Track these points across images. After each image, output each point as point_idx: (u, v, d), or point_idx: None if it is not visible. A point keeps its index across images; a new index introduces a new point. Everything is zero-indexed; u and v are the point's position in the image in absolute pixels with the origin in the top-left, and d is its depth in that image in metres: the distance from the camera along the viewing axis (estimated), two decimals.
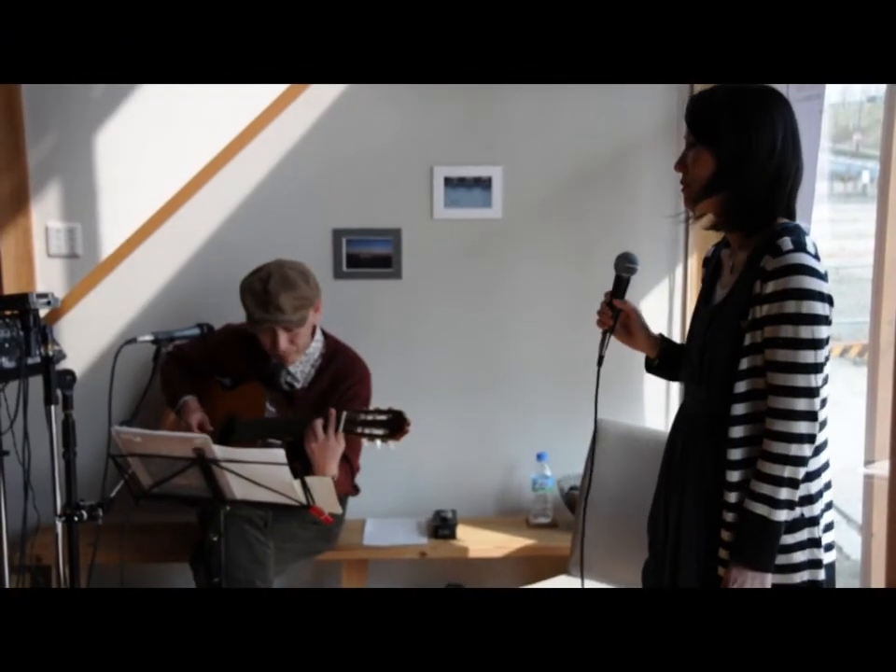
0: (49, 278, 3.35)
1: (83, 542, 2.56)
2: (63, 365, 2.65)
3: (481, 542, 3.19)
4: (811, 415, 1.76)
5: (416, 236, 3.32)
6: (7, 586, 2.83)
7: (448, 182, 3.28)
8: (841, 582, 1.96)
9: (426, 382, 3.36)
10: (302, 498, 2.38)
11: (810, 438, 1.77)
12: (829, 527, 1.88)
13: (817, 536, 1.84)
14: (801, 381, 1.75)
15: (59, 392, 2.53)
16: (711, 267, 2.02)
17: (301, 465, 2.65)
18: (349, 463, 2.94)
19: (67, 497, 2.48)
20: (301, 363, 2.97)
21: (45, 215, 3.34)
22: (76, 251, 3.36)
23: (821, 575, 1.85)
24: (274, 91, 3.23)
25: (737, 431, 1.81)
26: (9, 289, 3.32)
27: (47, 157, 3.32)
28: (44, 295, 2.61)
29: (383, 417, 2.58)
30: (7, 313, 2.67)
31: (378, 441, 2.59)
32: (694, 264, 3.25)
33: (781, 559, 1.82)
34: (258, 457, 2.35)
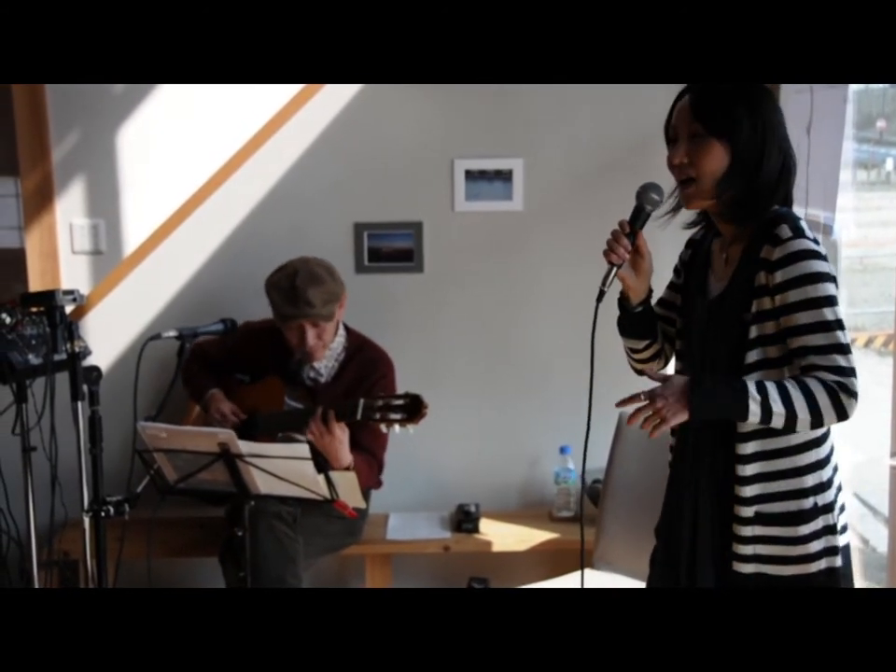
0: (73, 275, 3.38)
1: (110, 537, 2.58)
2: (89, 361, 2.67)
3: (504, 536, 3.19)
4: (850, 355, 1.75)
5: (437, 230, 3.32)
6: (36, 581, 2.87)
7: (469, 175, 3.28)
8: (868, 575, 1.95)
9: (448, 375, 3.36)
10: (327, 493, 2.39)
11: (853, 371, 1.73)
12: (842, 509, 1.87)
13: (832, 523, 1.83)
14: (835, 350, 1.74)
15: (85, 388, 2.55)
16: (702, 256, 1.97)
17: (324, 460, 2.66)
18: (374, 456, 2.96)
19: (94, 492, 2.50)
20: (325, 358, 2.99)
21: (69, 212, 3.37)
22: (99, 248, 3.38)
23: (838, 561, 1.83)
24: (294, 86, 3.23)
25: (748, 425, 1.79)
26: (34, 286, 3.35)
27: (70, 154, 3.34)
28: (70, 292, 2.64)
29: (400, 402, 2.60)
30: (34, 309, 2.70)
31: (397, 427, 2.60)
32: None
33: (799, 550, 1.81)
34: (282, 452, 2.37)
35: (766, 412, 1.70)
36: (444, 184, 3.29)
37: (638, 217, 1.87)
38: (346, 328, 3.06)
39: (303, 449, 2.34)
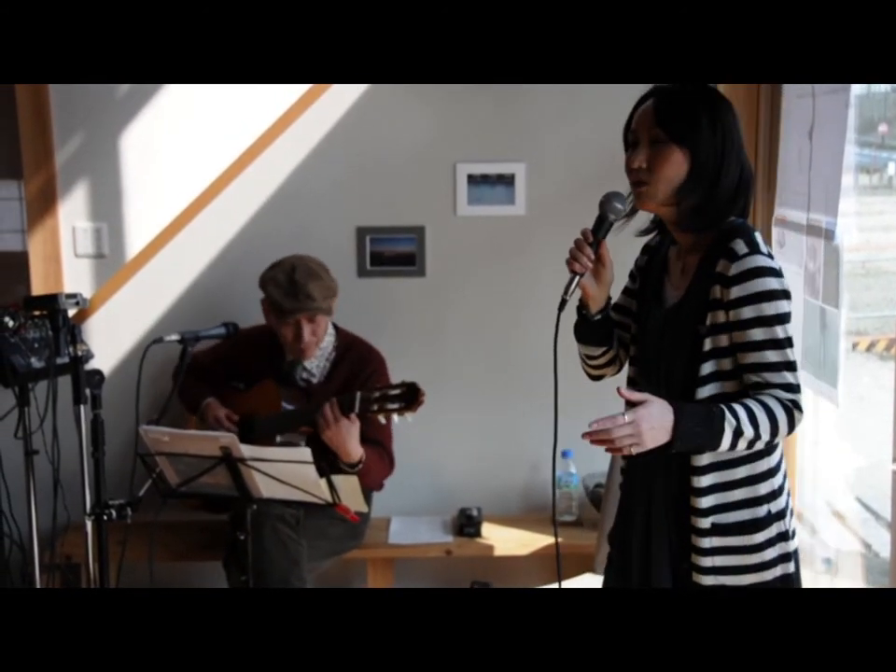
0: (76, 278, 3.38)
1: (112, 541, 2.58)
2: (91, 365, 2.67)
3: (506, 540, 3.19)
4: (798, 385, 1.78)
5: (440, 234, 3.32)
6: (38, 584, 2.87)
7: (471, 179, 3.28)
8: (871, 580, 1.95)
9: (450, 379, 3.36)
10: (329, 497, 2.39)
11: (799, 388, 1.78)
12: (790, 515, 1.88)
13: (784, 529, 1.85)
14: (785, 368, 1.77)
15: (87, 392, 2.55)
16: (658, 263, 1.96)
17: (327, 464, 2.66)
18: (383, 447, 2.97)
19: (96, 495, 2.50)
20: (316, 358, 3.00)
21: (72, 215, 3.37)
22: (102, 251, 3.38)
23: (791, 567, 1.86)
24: (298, 89, 3.24)
25: None
26: (37, 290, 3.35)
27: (73, 158, 3.35)
28: (73, 295, 2.65)
29: (397, 391, 2.62)
30: (37, 313, 2.71)
31: (396, 416, 2.61)
32: None
33: (755, 558, 1.82)
34: (284, 456, 2.37)
35: (737, 437, 1.72)
36: (447, 188, 3.30)
37: (601, 227, 1.87)
38: (335, 327, 3.07)
39: (305, 452, 2.34)
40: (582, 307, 1.95)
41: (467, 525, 3.21)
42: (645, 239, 2.02)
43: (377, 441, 2.94)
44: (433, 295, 3.35)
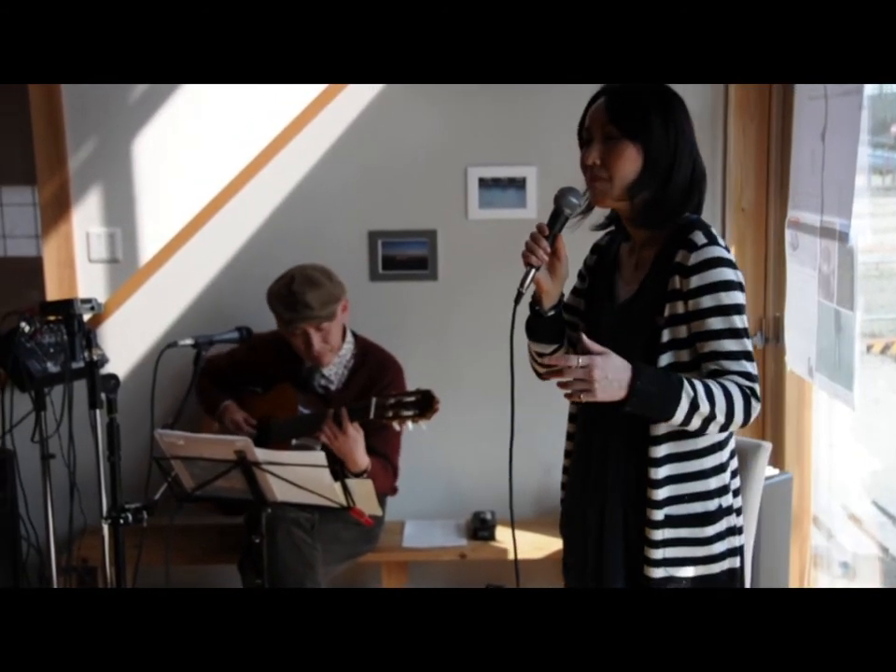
0: (90, 283, 3.39)
1: (128, 544, 2.60)
2: (106, 369, 2.69)
3: (520, 544, 3.16)
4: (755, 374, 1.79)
5: (451, 237, 3.33)
6: (55, 587, 2.88)
7: (482, 183, 3.28)
8: (888, 584, 1.95)
9: (462, 383, 3.36)
10: (343, 501, 2.39)
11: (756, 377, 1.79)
12: (738, 512, 1.91)
13: (733, 524, 1.88)
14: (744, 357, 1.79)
15: (103, 396, 2.57)
16: (609, 261, 1.98)
17: (340, 467, 2.67)
18: (388, 460, 2.97)
19: (112, 499, 2.52)
20: (335, 365, 3.00)
21: (86, 220, 3.39)
22: (116, 256, 3.40)
23: (738, 562, 1.89)
24: (309, 94, 3.25)
25: (660, 428, 1.81)
26: (52, 295, 3.37)
27: (87, 164, 3.36)
28: (88, 300, 2.66)
29: (412, 398, 2.62)
30: (52, 318, 2.72)
31: (410, 424, 2.61)
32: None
33: (704, 551, 1.85)
34: (298, 459, 2.37)
35: (693, 410, 1.72)
36: (458, 192, 3.30)
37: (557, 221, 1.89)
38: (354, 334, 3.08)
39: (319, 456, 2.35)
40: (535, 303, 1.96)
41: (481, 528, 3.21)
42: (596, 237, 2.05)
43: (383, 452, 2.94)
44: (445, 298, 3.35)
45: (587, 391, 1.70)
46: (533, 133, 3.28)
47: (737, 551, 1.89)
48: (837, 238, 2.45)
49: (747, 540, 2.35)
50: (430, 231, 3.32)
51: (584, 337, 1.74)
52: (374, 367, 3.02)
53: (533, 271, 1.85)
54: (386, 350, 3.09)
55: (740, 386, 1.75)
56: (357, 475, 2.79)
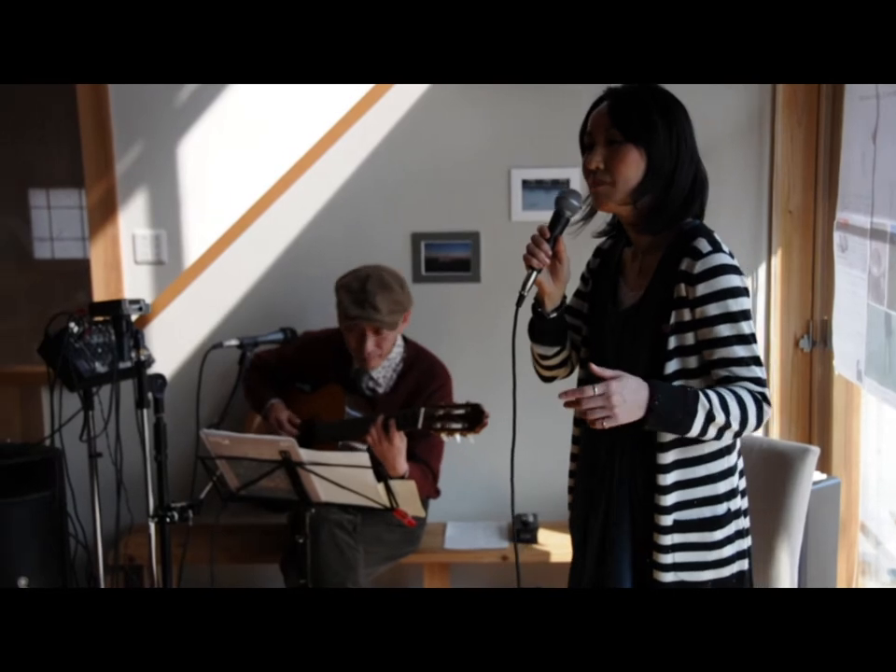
0: (135, 285, 3.44)
1: (174, 543, 2.62)
2: (151, 370, 2.72)
3: (562, 546, 3.17)
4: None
5: (494, 239, 3.32)
6: (102, 585, 2.92)
7: (526, 184, 3.28)
8: None
9: (505, 385, 3.32)
10: (386, 502, 2.40)
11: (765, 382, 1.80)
12: (745, 513, 1.92)
13: (741, 527, 1.89)
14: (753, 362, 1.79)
15: (150, 396, 2.59)
16: (612, 265, 1.98)
17: (384, 468, 2.67)
18: (429, 466, 2.96)
19: (159, 498, 2.54)
20: (383, 368, 3.01)
21: (132, 223, 3.43)
22: (161, 258, 3.44)
23: (746, 564, 1.90)
24: (354, 96, 3.26)
25: (667, 434, 1.81)
26: (98, 296, 3.41)
27: (133, 167, 3.41)
28: (136, 301, 2.69)
29: (461, 411, 2.61)
30: (100, 319, 2.76)
31: (458, 436, 2.61)
32: (778, 263, 3.19)
33: (714, 554, 1.84)
34: (343, 460, 2.38)
35: (708, 421, 1.73)
36: (501, 194, 3.30)
37: (558, 223, 1.89)
38: (404, 338, 3.08)
39: (363, 457, 2.35)
40: (538, 305, 1.97)
41: (523, 531, 3.20)
42: (598, 240, 2.05)
43: (424, 459, 2.94)
44: (488, 300, 3.35)
45: (608, 417, 1.70)
46: (576, 134, 3.25)
47: (746, 553, 1.90)
48: (888, 240, 2.41)
49: (795, 546, 2.34)
50: (473, 233, 3.32)
51: (593, 366, 1.74)
52: (422, 373, 3.02)
53: (535, 273, 1.86)
54: (436, 356, 3.09)
55: (752, 393, 1.76)
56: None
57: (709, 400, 1.72)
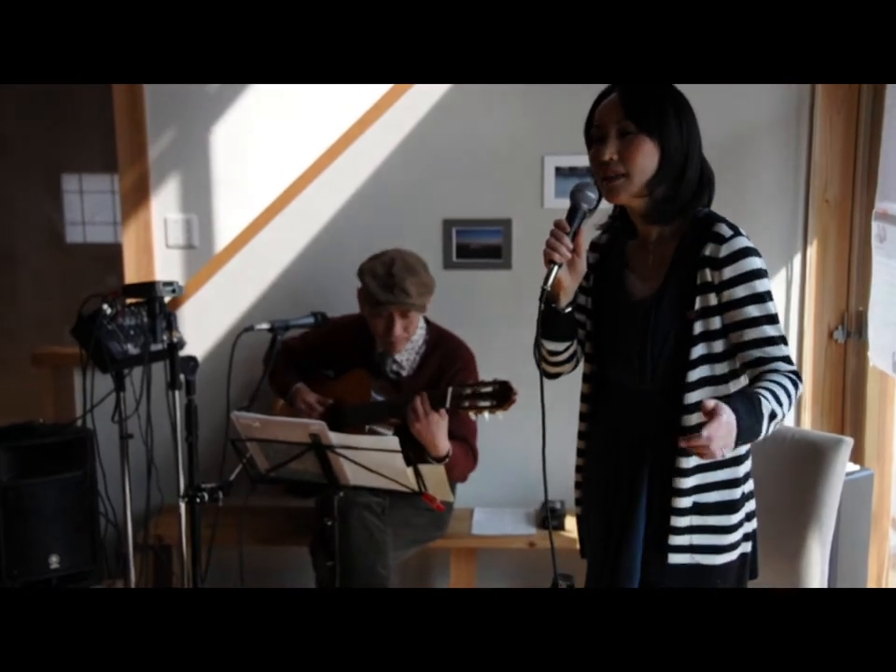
0: (167, 268, 3.45)
1: (203, 524, 2.63)
2: (182, 352, 2.73)
3: None
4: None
5: (526, 226, 3.31)
6: (131, 564, 2.95)
7: (559, 172, 3.26)
8: None
9: (534, 372, 3.32)
10: (415, 486, 2.40)
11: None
12: (752, 495, 1.95)
13: (750, 510, 1.93)
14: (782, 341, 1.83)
15: (182, 377, 2.61)
16: (615, 259, 1.97)
17: (413, 453, 2.67)
18: (468, 443, 2.97)
19: (189, 479, 2.56)
20: (407, 351, 3.01)
21: (164, 207, 3.45)
22: (192, 242, 3.45)
23: (749, 547, 1.93)
24: (385, 84, 3.26)
25: (693, 419, 1.81)
26: (130, 280, 3.44)
27: (166, 152, 3.42)
28: (169, 283, 2.71)
29: (489, 389, 2.61)
30: (133, 301, 2.78)
31: (486, 414, 2.60)
32: (814, 254, 3.15)
33: (729, 538, 1.87)
34: (372, 444, 2.38)
35: (771, 420, 1.73)
36: (534, 181, 3.28)
37: (576, 217, 1.87)
38: (426, 321, 3.08)
39: (393, 441, 2.35)
40: (551, 300, 1.94)
41: (551, 517, 3.18)
42: (593, 234, 2.04)
43: (462, 436, 2.94)
44: (518, 287, 3.33)
45: (724, 449, 1.68)
46: None
47: (751, 535, 1.93)
48: None
49: (826, 538, 2.31)
50: (505, 220, 3.31)
51: (706, 403, 1.68)
52: (446, 354, 3.02)
53: (556, 268, 1.84)
54: (458, 337, 3.09)
55: (787, 376, 1.78)
56: (440, 460, 2.79)
57: (769, 401, 1.72)
